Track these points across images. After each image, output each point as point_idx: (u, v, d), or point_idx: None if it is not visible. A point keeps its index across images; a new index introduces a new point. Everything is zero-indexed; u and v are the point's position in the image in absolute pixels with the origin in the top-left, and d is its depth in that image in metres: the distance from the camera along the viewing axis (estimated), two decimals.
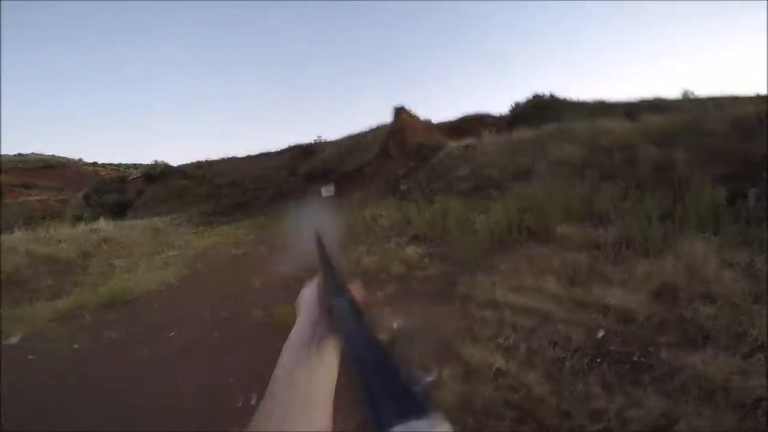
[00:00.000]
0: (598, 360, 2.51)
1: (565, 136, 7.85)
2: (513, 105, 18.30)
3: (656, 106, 12.59)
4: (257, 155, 22.99)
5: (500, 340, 2.92)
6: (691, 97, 12.94)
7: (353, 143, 17.76)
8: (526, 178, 7.55)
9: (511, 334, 2.97)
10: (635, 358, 2.47)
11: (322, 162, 17.42)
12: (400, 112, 15.63)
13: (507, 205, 6.42)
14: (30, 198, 31.61)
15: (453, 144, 12.17)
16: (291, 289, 5.51)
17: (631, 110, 11.18)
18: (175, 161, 25.57)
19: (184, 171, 22.74)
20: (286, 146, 22.04)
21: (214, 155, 24.87)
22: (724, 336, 2.45)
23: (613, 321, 2.93)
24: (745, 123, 5.54)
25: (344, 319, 0.37)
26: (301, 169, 17.72)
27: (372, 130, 17.93)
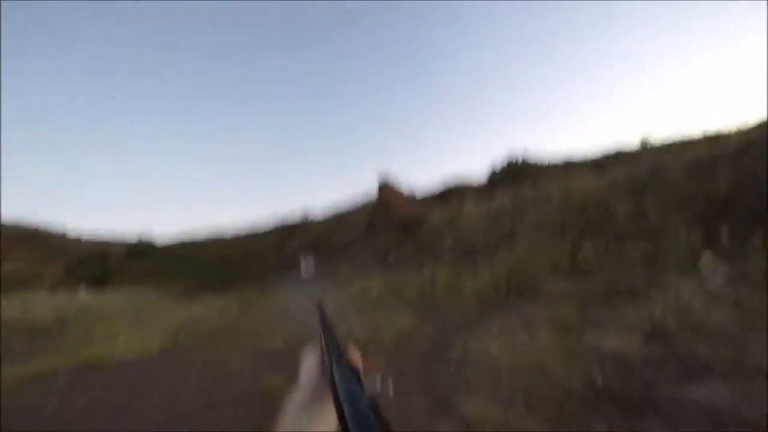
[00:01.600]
0: (600, 403, 2.41)
1: (541, 200, 8.30)
2: (490, 171, 19.55)
3: (619, 157, 13.64)
4: (244, 236, 23.04)
5: (498, 395, 2.80)
6: (649, 145, 14.08)
7: (339, 220, 18.23)
8: (509, 240, 7.78)
9: (507, 387, 2.85)
10: (638, 398, 2.37)
11: (310, 240, 17.61)
12: (384, 187, 16.43)
13: (494, 268, 6.55)
14: (7, 267, 30.02)
15: (437, 216, 12.61)
16: (278, 362, 5.26)
17: (598, 163, 12.07)
18: (161, 230, 25.30)
19: (169, 251, 22.50)
20: (274, 225, 22.29)
21: (201, 225, 24.76)
22: (723, 365, 2.42)
23: (610, 364, 2.86)
24: (702, 164, 6.01)
25: (343, 382, 0.40)
26: (289, 248, 17.78)
27: (358, 208, 18.59)
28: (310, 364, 0.56)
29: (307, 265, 15.04)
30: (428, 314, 6.08)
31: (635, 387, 2.48)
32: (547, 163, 17.53)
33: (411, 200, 16.60)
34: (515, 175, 16.39)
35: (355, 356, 0.55)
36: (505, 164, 18.61)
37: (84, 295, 11.11)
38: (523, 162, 18.22)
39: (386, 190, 16.30)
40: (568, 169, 12.75)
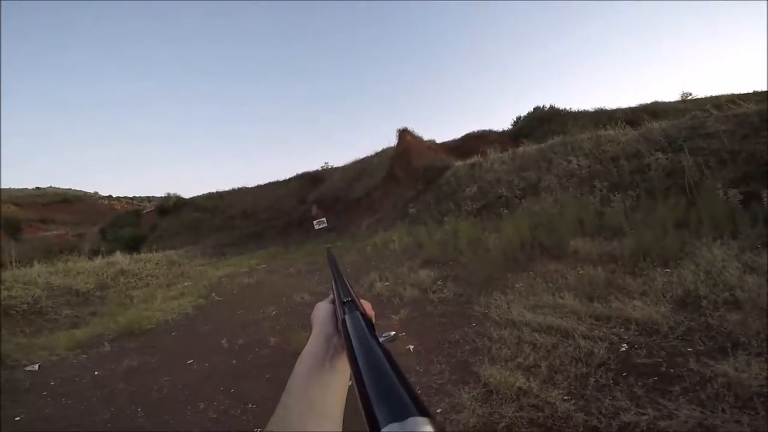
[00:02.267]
0: (624, 374, 2.45)
1: (569, 149, 7.90)
2: (514, 120, 18.59)
3: (656, 110, 12.69)
4: (267, 184, 23.62)
5: (520, 360, 2.87)
6: (690, 99, 13.01)
7: (360, 168, 18.04)
8: (534, 193, 7.58)
9: (530, 353, 2.92)
10: (663, 370, 2.40)
11: (330, 189, 17.67)
12: (404, 134, 15.89)
13: (518, 222, 6.44)
14: (48, 233, 32.69)
15: (459, 164, 12.28)
16: (304, 314, 5.57)
17: (632, 117, 11.27)
18: (187, 193, 26.34)
19: (196, 203, 23.32)
20: (295, 174, 22.58)
21: (226, 186, 25.62)
22: (754, 342, 2.40)
23: (636, 334, 2.88)
24: (748, 122, 5.54)
25: (357, 330, 0.39)
26: (309, 197, 17.99)
27: (377, 154, 18.21)
28: (322, 314, 0.55)
29: (319, 223, 15.26)
30: (450, 270, 6.14)
31: (662, 358, 2.51)
32: (577, 111, 16.42)
33: (432, 148, 16.10)
34: (543, 122, 15.51)
35: (367, 307, 0.53)
36: (532, 111, 17.57)
37: (120, 258, 11.76)
38: (551, 109, 17.10)
39: (406, 137, 15.79)
40: (600, 120, 11.91)
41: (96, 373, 4.60)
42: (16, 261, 9.39)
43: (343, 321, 0.43)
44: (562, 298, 3.73)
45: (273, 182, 23.42)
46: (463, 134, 18.31)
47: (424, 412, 0.22)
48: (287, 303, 6.44)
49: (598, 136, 7.74)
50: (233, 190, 24.23)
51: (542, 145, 9.24)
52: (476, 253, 6.24)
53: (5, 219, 33.62)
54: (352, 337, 0.38)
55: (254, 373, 3.94)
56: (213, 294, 8.42)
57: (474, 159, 11.88)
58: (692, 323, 2.80)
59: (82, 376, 4.55)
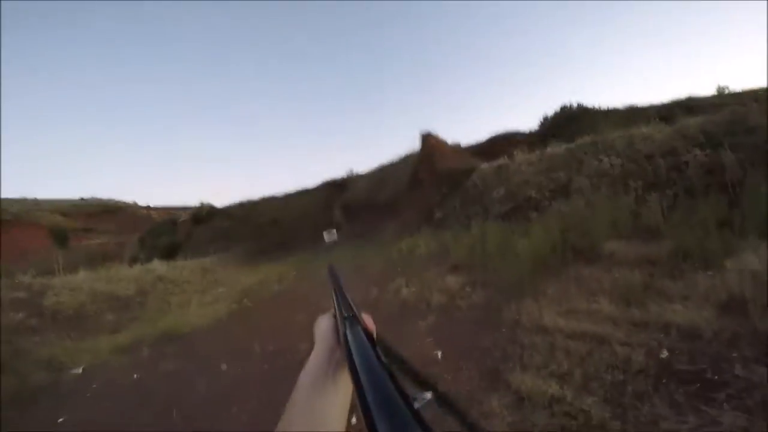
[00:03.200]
0: (664, 381, 2.37)
1: (601, 148, 7.68)
2: (541, 120, 18.22)
3: (691, 106, 12.09)
4: (294, 192, 24.22)
5: (553, 367, 2.83)
6: (727, 93, 12.29)
7: (384, 174, 18.17)
8: (565, 194, 7.41)
9: (564, 360, 2.87)
10: (706, 376, 2.32)
11: (355, 196, 17.90)
12: (427, 138, 15.89)
13: (548, 225, 6.31)
14: (92, 242, 34.92)
15: (485, 166, 12.14)
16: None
17: (666, 113, 10.79)
18: (219, 202, 27.52)
19: (228, 212, 24.33)
20: (321, 182, 23.12)
21: (255, 195, 26.64)
22: None
23: (677, 339, 2.78)
24: None
25: (358, 345, 0.39)
26: (336, 204, 18.29)
27: (401, 159, 18.27)
28: (324, 329, 0.56)
29: (330, 236, 15.66)
30: (478, 275, 6.07)
31: (705, 365, 2.42)
32: (606, 109, 15.88)
33: (456, 151, 16.02)
34: (571, 122, 15.10)
35: (368, 321, 0.54)
36: (559, 110, 17.15)
37: (158, 265, 12.43)
38: (579, 108, 16.61)
39: (429, 140, 15.79)
40: (632, 117, 11.47)
41: (135, 376, 4.83)
42: (63, 268, 9.98)
43: (345, 335, 0.44)
44: (596, 303, 3.64)
45: (300, 190, 24.04)
46: (488, 136, 18.13)
47: (425, 428, 0.23)
48: (316, 310, 6.55)
49: (630, 134, 7.48)
50: (262, 198, 24.99)
51: (572, 144, 9.01)
52: (505, 257, 6.14)
53: (54, 229, 36.23)
54: (353, 352, 0.38)
55: (285, 379, 4.01)
56: (245, 300, 8.71)
57: (500, 161, 11.72)
58: (738, 328, 2.68)
59: (122, 380, 4.78)
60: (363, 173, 21.09)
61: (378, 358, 0.36)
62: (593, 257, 4.90)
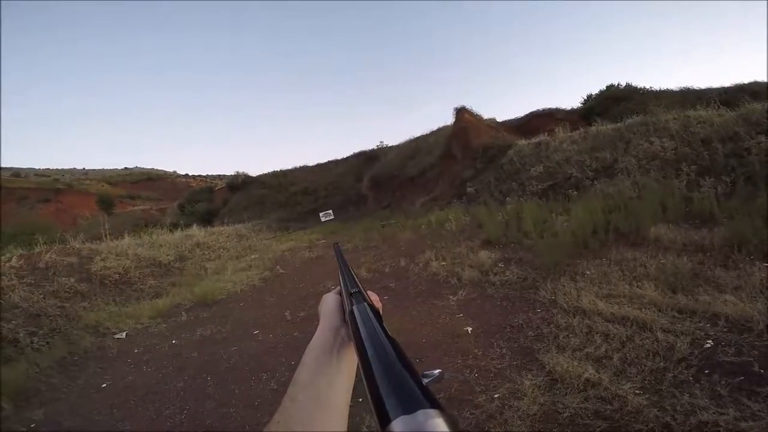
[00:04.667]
0: (707, 371, 2.35)
1: (652, 129, 7.23)
2: (585, 98, 17.29)
3: (757, 90, 11.05)
4: (326, 162, 24.83)
5: (589, 350, 2.82)
6: None
7: (415, 147, 17.95)
8: (609, 175, 7.11)
9: (602, 344, 2.87)
10: (753, 369, 2.28)
11: (385, 167, 17.86)
12: (462, 112, 15.43)
13: (590, 205, 6.11)
14: (135, 208, 37.47)
15: (523, 142, 11.76)
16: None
17: (727, 97, 9.92)
18: (254, 171, 28.55)
19: (262, 181, 25.23)
20: (352, 153, 23.33)
21: (289, 164, 27.46)
22: None
23: (724, 330, 2.72)
24: None
25: (365, 321, 0.39)
26: (366, 175, 18.38)
27: (433, 133, 17.94)
28: (329, 306, 0.55)
29: (326, 216, 15.99)
30: (513, 252, 6.01)
31: (752, 358, 2.37)
32: (658, 90, 14.76)
33: (492, 127, 15.51)
34: (617, 101, 14.17)
35: (374, 298, 0.54)
36: (605, 90, 16.12)
37: (196, 231, 13.10)
38: (627, 87, 15.52)
39: (463, 115, 15.33)
40: (687, 100, 10.60)
41: (173, 341, 5.04)
42: (109, 234, 10.53)
43: (351, 312, 0.43)
44: (640, 288, 3.58)
45: (332, 161, 24.53)
46: (527, 113, 17.39)
47: (434, 404, 0.22)
48: None
49: (686, 116, 6.98)
50: (296, 168, 25.75)
51: (619, 124, 8.54)
52: (542, 236, 6.00)
53: (101, 197, 38.97)
54: (360, 328, 0.38)
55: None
56: (277, 267, 9.06)
57: (540, 138, 11.31)
58: None
59: (161, 345, 4.99)
60: (394, 145, 20.94)
61: (386, 333, 0.36)
62: (638, 241, 4.76)
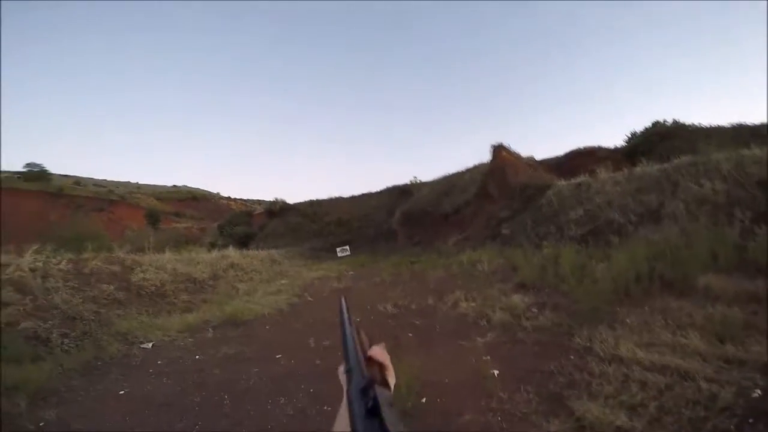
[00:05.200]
0: (751, 420, 2.23)
1: (702, 170, 7.03)
2: (629, 136, 16.97)
3: None
4: (360, 195, 25.92)
5: (624, 398, 2.74)
6: None
7: (450, 183, 18.16)
8: (654, 220, 6.91)
9: (638, 392, 2.77)
10: None
11: (418, 203, 18.10)
12: (499, 150, 15.56)
13: (633, 251, 5.96)
14: (179, 225, 40.01)
15: (562, 183, 11.64)
16: (387, 325, 5.87)
17: None
18: (292, 199, 30.45)
19: (298, 209, 26.61)
20: (386, 187, 24.17)
21: (325, 194, 29.03)
22: None
23: None
24: None
25: (356, 407, 0.39)
26: (398, 209, 18.70)
27: (469, 170, 18.13)
28: (344, 380, 0.54)
29: (342, 251, 16.42)
30: (548, 297, 5.91)
31: None
32: (708, 127, 14.34)
33: (531, 165, 15.51)
34: (664, 139, 13.87)
35: (380, 354, 0.52)
36: (650, 127, 15.85)
37: (232, 252, 13.84)
38: (675, 124, 15.20)
39: (501, 153, 15.46)
40: (741, 137, 10.24)
41: (197, 357, 5.18)
42: (152, 247, 11.33)
43: (348, 393, 0.43)
44: (684, 337, 3.44)
45: (366, 194, 25.60)
46: (567, 151, 17.28)
47: None
48: (371, 312, 6.80)
49: (740, 155, 6.75)
50: (330, 199, 27.11)
51: (666, 165, 8.33)
52: (581, 282, 5.90)
53: (149, 211, 42.19)
54: (353, 412, 0.38)
55: (335, 376, 4.19)
56: (306, 294, 9.32)
57: (580, 179, 11.17)
58: None
59: (185, 359, 5.12)
60: (428, 181, 21.30)
61: (380, 422, 0.35)
62: (685, 290, 4.57)
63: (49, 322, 5.56)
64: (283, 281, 11.45)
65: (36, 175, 44.39)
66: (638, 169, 9.29)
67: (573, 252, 7.43)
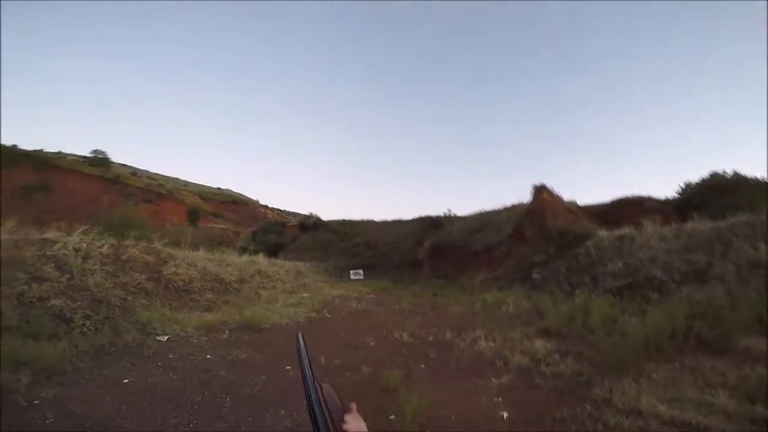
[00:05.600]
0: None
1: (759, 231, 6.61)
2: (682, 187, 16.05)
3: None
4: (391, 221, 26.41)
5: None
6: None
7: (484, 220, 17.96)
8: (700, 280, 6.53)
9: None
10: None
11: (448, 236, 17.99)
12: (540, 191, 15.31)
13: (671, 309, 5.66)
14: (216, 226, 41.97)
15: (604, 233, 11.26)
16: (401, 354, 5.79)
17: None
18: (325, 215, 31.85)
19: (330, 226, 27.35)
20: (417, 216, 24.35)
21: (357, 215, 29.97)
22: None
23: None
24: None
25: None
26: (427, 240, 18.65)
27: (506, 209, 17.89)
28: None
29: (356, 274, 16.50)
30: (572, 345, 5.73)
31: None
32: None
33: (572, 211, 15.11)
34: (720, 194, 13.07)
35: (330, 397, 0.55)
36: (707, 179, 15.03)
37: (261, 259, 14.36)
38: (735, 177, 14.30)
39: (542, 194, 15.21)
40: None
41: (207, 356, 5.27)
42: (188, 244, 11.85)
43: None
44: (712, 395, 3.23)
45: (396, 220, 25.98)
46: (612, 198, 16.68)
47: None
48: (386, 338, 6.75)
49: None
50: (362, 220, 27.82)
51: (720, 222, 7.90)
52: (610, 333, 5.66)
53: (192, 208, 44.77)
54: None
55: (340, 397, 4.15)
56: (324, 311, 9.41)
57: (624, 230, 10.76)
58: None
59: (195, 356, 5.21)
60: (461, 216, 21.22)
61: None
62: (722, 350, 4.28)
63: (78, 302, 5.78)
64: (304, 294, 11.67)
65: (99, 161, 48.88)
66: (689, 225, 8.89)
67: (606, 303, 7.14)
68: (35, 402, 3.39)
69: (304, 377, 0.65)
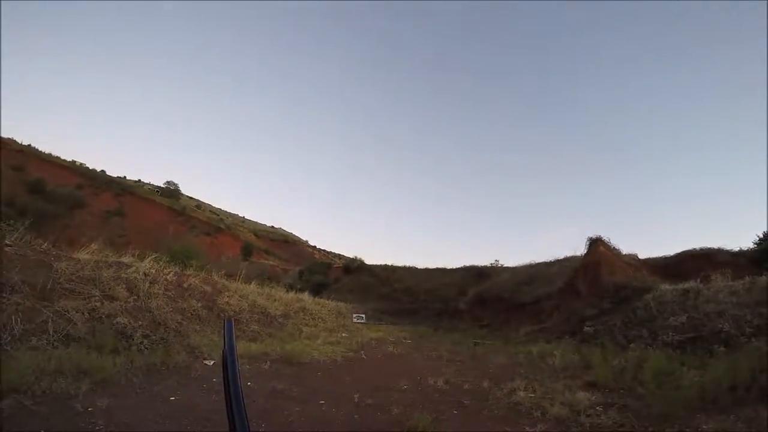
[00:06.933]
0: None
1: None
2: (760, 237, 14.52)
3: None
4: (433, 269, 26.32)
5: None
6: None
7: (533, 273, 17.33)
8: None
9: None
10: None
11: (495, 286, 17.49)
12: (596, 243, 14.67)
13: (737, 362, 5.08)
14: (266, 262, 44.26)
15: (666, 287, 10.45)
16: (432, 399, 5.66)
17: None
18: (369, 259, 32.55)
19: (372, 270, 28.11)
20: (461, 265, 24.14)
21: (400, 261, 30.48)
22: None
23: None
24: None
25: None
26: (470, 290, 18.25)
27: (557, 261, 17.20)
28: None
29: (358, 318, 16.40)
30: (618, 398, 5.31)
31: None
32: None
33: (631, 264, 14.20)
34: None
35: None
36: None
37: (306, 297, 15.14)
38: None
39: (598, 247, 14.52)
40: None
41: (248, 383, 5.40)
42: (241, 277, 12.72)
43: None
44: None
45: (439, 268, 25.89)
46: (678, 251, 15.48)
47: None
48: (420, 382, 6.62)
49: None
50: (404, 266, 28.18)
51: None
52: (661, 386, 5.19)
53: (247, 244, 47.63)
54: None
55: None
56: (361, 351, 9.53)
57: (689, 284, 9.93)
58: None
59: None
60: (509, 266, 20.66)
61: None
62: None
63: (139, 322, 6.28)
64: (343, 334, 11.90)
65: (170, 192, 54.15)
66: (763, 279, 8.06)
67: (663, 357, 6.53)
68: (89, 409, 3.60)
69: (225, 360, 0.63)
